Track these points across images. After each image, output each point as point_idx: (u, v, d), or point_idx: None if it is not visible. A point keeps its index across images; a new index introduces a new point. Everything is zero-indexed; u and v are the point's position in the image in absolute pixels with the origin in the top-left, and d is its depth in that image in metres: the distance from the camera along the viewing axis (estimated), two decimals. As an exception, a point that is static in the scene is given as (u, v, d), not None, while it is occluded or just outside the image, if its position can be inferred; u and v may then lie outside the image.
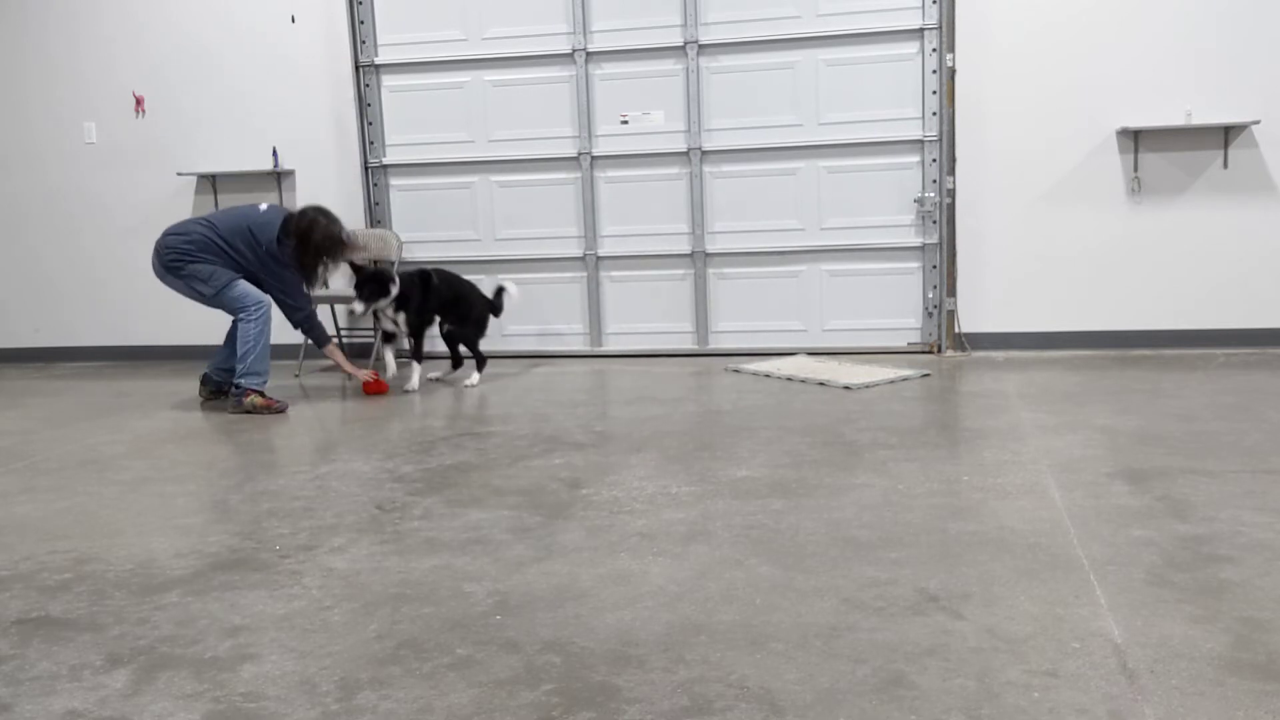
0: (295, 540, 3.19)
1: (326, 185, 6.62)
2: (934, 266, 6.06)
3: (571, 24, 6.24)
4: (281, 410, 5.13)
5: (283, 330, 6.74)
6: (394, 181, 6.61)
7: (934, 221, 6.02)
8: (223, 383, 5.38)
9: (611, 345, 6.51)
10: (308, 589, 2.79)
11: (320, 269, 5.26)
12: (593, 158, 6.34)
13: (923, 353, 6.09)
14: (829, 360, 5.93)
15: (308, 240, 5.14)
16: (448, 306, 5.65)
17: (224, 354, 5.40)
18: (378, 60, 6.49)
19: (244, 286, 5.16)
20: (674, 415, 4.71)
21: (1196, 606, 2.45)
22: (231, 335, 5.33)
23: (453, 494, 3.61)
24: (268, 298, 5.21)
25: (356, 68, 6.50)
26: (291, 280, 5.21)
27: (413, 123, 6.54)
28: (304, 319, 5.33)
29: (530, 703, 2.13)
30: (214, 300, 5.16)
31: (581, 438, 4.36)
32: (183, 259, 5.14)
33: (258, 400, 5.13)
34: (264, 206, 5.30)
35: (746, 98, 6.14)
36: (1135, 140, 5.74)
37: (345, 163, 6.56)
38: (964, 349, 6.05)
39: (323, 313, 6.53)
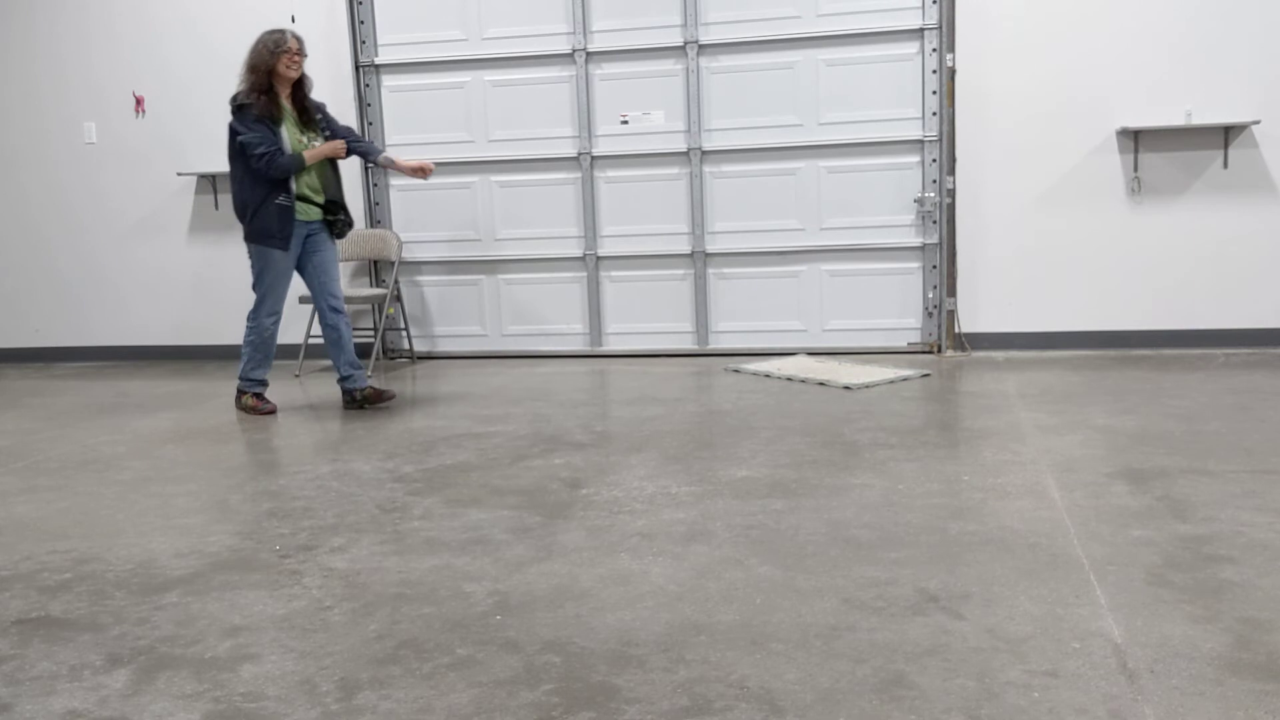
0: (295, 540, 3.19)
1: (326, 185, 6.62)
2: (934, 266, 6.06)
3: (571, 24, 6.24)
4: (270, 413, 5.09)
5: (283, 330, 6.75)
6: (394, 181, 6.61)
7: (934, 221, 6.02)
8: (346, 387, 5.14)
9: (611, 345, 6.51)
10: (308, 589, 2.79)
11: (261, 76, 4.86)
12: (593, 158, 6.34)
13: (923, 353, 6.08)
14: (829, 360, 5.93)
15: (249, 57, 4.91)
16: None
17: (332, 355, 5.15)
18: (378, 60, 6.49)
19: (268, 283, 4.98)
20: (674, 415, 4.71)
21: (1196, 606, 2.45)
22: (329, 338, 5.10)
23: (453, 494, 3.61)
24: (265, 310, 5.03)
25: (356, 68, 6.50)
26: (247, 137, 4.83)
27: (413, 123, 6.53)
28: (264, 164, 4.81)
29: (530, 703, 2.13)
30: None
31: (581, 438, 4.36)
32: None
33: (250, 401, 5.13)
34: None
35: (746, 98, 6.14)
36: (1135, 140, 5.74)
37: (345, 163, 6.54)
38: (964, 349, 6.05)
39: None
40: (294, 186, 4.92)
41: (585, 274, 6.45)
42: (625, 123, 6.30)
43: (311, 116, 5.03)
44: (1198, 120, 5.60)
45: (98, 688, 2.28)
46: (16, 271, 7.12)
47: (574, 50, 6.26)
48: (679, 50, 6.17)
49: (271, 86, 4.89)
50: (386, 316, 6.46)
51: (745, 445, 4.11)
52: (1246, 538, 2.88)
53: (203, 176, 6.74)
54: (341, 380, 5.12)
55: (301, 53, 4.93)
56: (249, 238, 4.96)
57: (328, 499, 3.61)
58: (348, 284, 6.67)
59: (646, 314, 6.45)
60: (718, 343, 6.39)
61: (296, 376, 6.20)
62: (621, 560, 2.90)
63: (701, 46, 6.13)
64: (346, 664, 2.34)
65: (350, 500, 3.59)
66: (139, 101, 6.74)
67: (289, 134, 4.90)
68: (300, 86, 5.00)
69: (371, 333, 6.60)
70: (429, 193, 6.58)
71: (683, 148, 6.24)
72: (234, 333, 6.84)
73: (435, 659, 2.34)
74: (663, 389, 5.36)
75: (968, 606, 2.50)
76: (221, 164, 6.68)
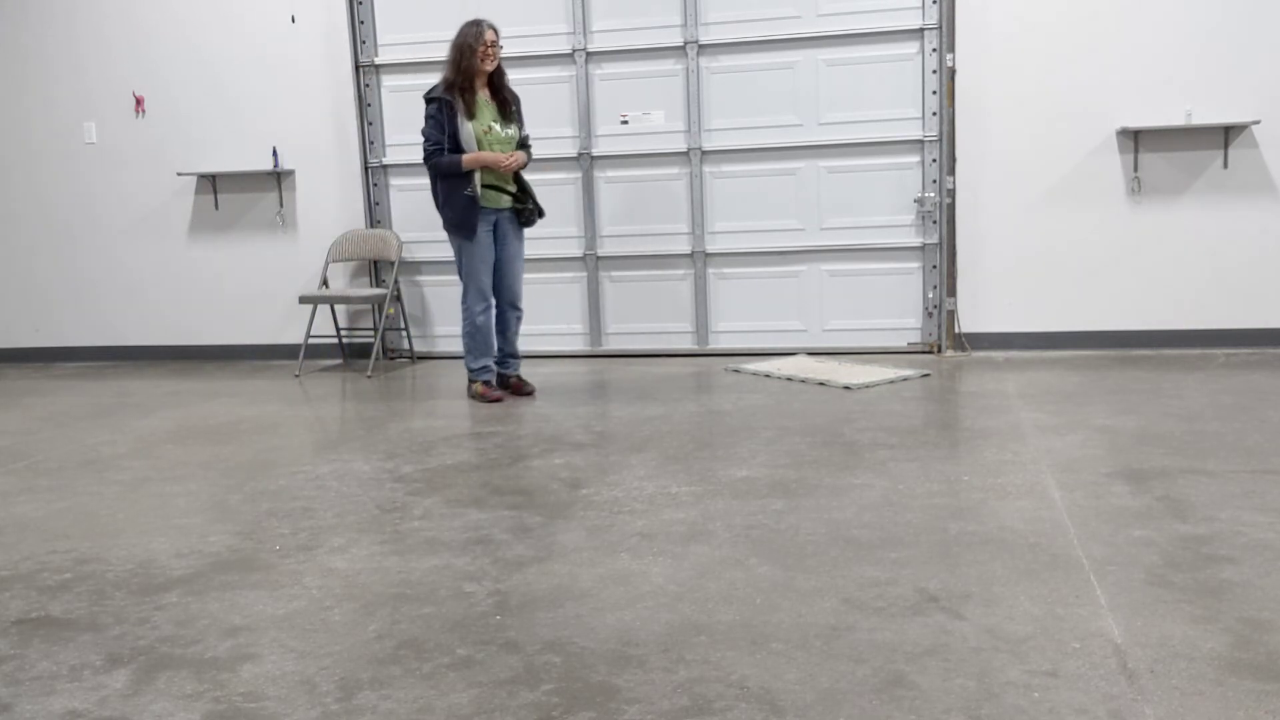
0: (295, 540, 3.19)
1: (326, 185, 6.63)
2: (934, 266, 6.06)
3: (571, 24, 6.24)
4: (498, 400, 5.17)
5: (283, 330, 6.76)
6: (394, 181, 6.61)
7: (934, 221, 6.02)
8: (500, 371, 5.37)
9: (611, 345, 6.51)
10: (308, 589, 2.79)
11: (462, 72, 4.95)
12: (593, 158, 6.34)
13: (923, 353, 6.08)
14: (829, 360, 5.93)
15: (451, 51, 5.01)
16: None
17: (497, 340, 5.37)
18: (378, 60, 6.49)
19: (467, 270, 5.08)
20: (674, 415, 4.71)
21: (1196, 606, 2.45)
22: (498, 326, 5.30)
23: (453, 494, 3.61)
24: (473, 299, 5.11)
25: (356, 68, 6.50)
26: (423, 129, 5.02)
27: (413, 123, 6.52)
28: (425, 158, 5.04)
29: (530, 703, 2.13)
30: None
31: (581, 438, 4.36)
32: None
33: (479, 389, 5.21)
34: None
35: (746, 98, 6.14)
36: (1135, 140, 5.74)
37: (345, 163, 6.56)
38: (964, 349, 6.05)
39: (322, 313, 6.54)
40: (478, 178, 4.99)
41: (585, 274, 6.45)
42: (625, 123, 6.30)
43: (510, 108, 5.13)
44: (1198, 120, 5.60)
45: (98, 688, 2.28)
46: (16, 271, 7.12)
47: (574, 50, 6.26)
48: (679, 50, 6.17)
49: (469, 79, 4.97)
50: (386, 316, 6.46)
51: (745, 445, 4.11)
52: (1246, 538, 2.88)
53: (203, 176, 6.73)
54: (497, 364, 5.33)
55: (497, 44, 5.01)
56: (444, 227, 5.13)
57: (328, 499, 3.61)
58: (347, 284, 6.67)
59: (646, 314, 6.45)
60: (718, 343, 6.39)
61: (296, 376, 6.20)
62: (621, 560, 2.90)
63: (701, 46, 6.13)
64: (346, 664, 2.34)
65: (350, 500, 3.59)
66: (139, 101, 6.74)
67: (477, 127, 4.98)
68: (497, 77, 5.07)
69: (371, 333, 6.60)
70: (429, 193, 6.56)
71: (683, 148, 6.23)
72: (234, 333, 6.85)
73: (435, 659, 2.34)
74: (663, 389, 5.36)
75: (968, 606, 2.50)
76: (221, 164, 6.70)
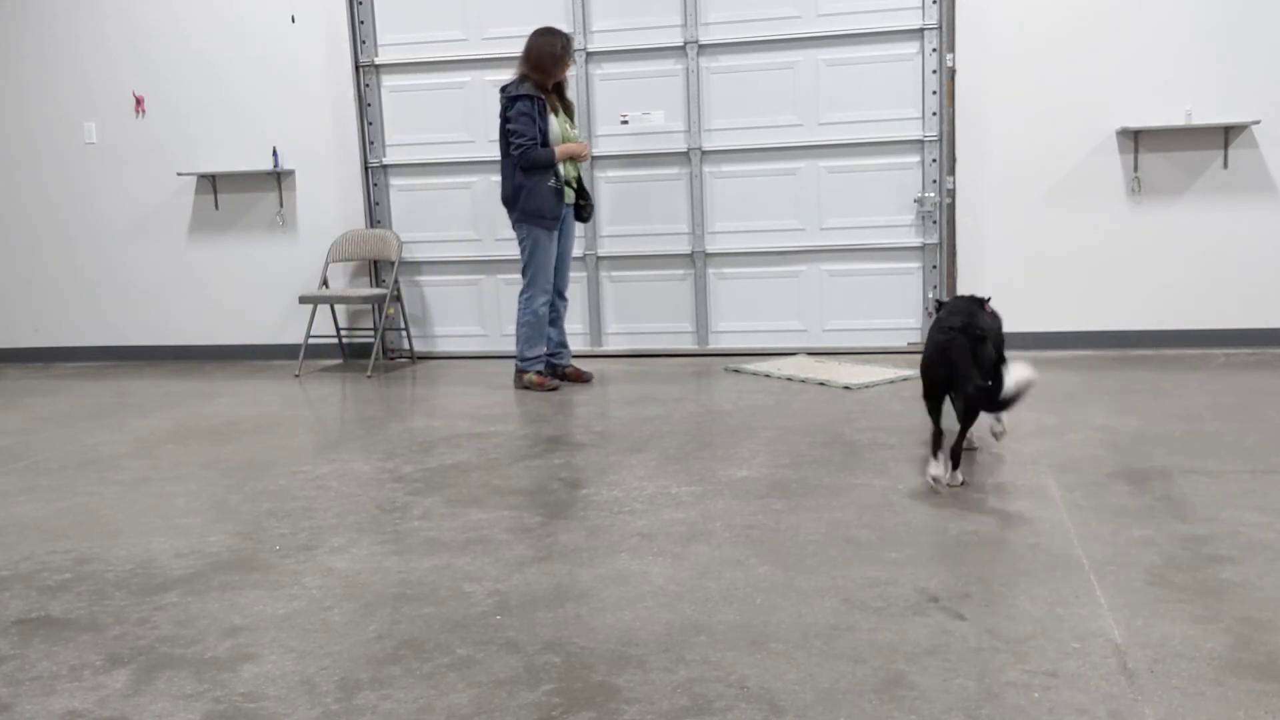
0: (295, 540, 3.19)
1: (326, 185, 6.62)
2: (934, 266, 6.06)
3: (571, 24, 6.23)
4: (554, 389, 5.36)
5: (283, 330, 6.76)
6: (394, 181, 6.61)
7: (934, 221, 6.02)
8: (552, 363, 5.57)
9: (611, 345, 6.51)
10: (308, 589, 2.79)
11: (547, 74, 5.22)
12: (593, 158, 6.33)
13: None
14: (829, 360, 5.93)
15: (527, 55, 5.25)
16: None
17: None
18: (378, 60, 6.49)
19: (538, 263, 5.29)
20: (674, 415, 4.71)
21: (1196, 606, 2.45)
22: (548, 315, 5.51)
23: (453, 494, 3.61)
24: (538, 290, 5.31)
25: (356, 68, 6.50)
26: (515, 126, 5.15)
27: (413, 123, 6.53)
28: (519, 153, 5.15)
29: (530, 703, 2.13)
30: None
31: (581, 438, 4.36)
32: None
33: (534, 378, 5.37)
34: None
35: (746, 98, 6.14)
36: (1135, 140, 5.74)
37: (345, 163, 6.56)
38: (964, 349, 6.03)
39: (322, 313, 6.54)
40: (563, 171, 5.26)
41: (586, 274, 6.45)
42: (625, 123, 6.30)
43: (571, 111, 5.43)
44: (1198, 120, 5.60)
45: (98, 688, 2.28)
46: (16, 271, 7.12)
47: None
48: (679, 50, 6.17)
49: (549, 82, 5.25)
50: (386, 316, 6.46)
51: (745, 445, 4.11)
52: (1246, 538, 2.88)
53: (203, 176, 6.73)
54: (549, 355, 5.54)
55: (574, 58, 5.54)
56: (522, 219, 5.27)
57: (328, 499, 3.61)
58: (347, 284, 6.67)
59: (646, 314, 6.44)
60: (718, 343, 6.39)
61: (296, 376, 6.20)
62: (621, 560, 2.90)
63: (701, 46, 6.13)
64: (346, 664, 2.34)
65: (350, 500, 3.59)
66: (139, 101, 6.74)
67: (559, 124, 5.27)
68: (561, 84, 5.37)
69: (371, 333, 6.60)
70: (429, 193, 6.58)
71: (683, 148, 6.23)
72: (234, 333, 6.85)
73: (435, 659, 2.34)
74: (663, 389, 5.36)
75: (968, 606, 2.50)
76: (221, 164, 6.70)
